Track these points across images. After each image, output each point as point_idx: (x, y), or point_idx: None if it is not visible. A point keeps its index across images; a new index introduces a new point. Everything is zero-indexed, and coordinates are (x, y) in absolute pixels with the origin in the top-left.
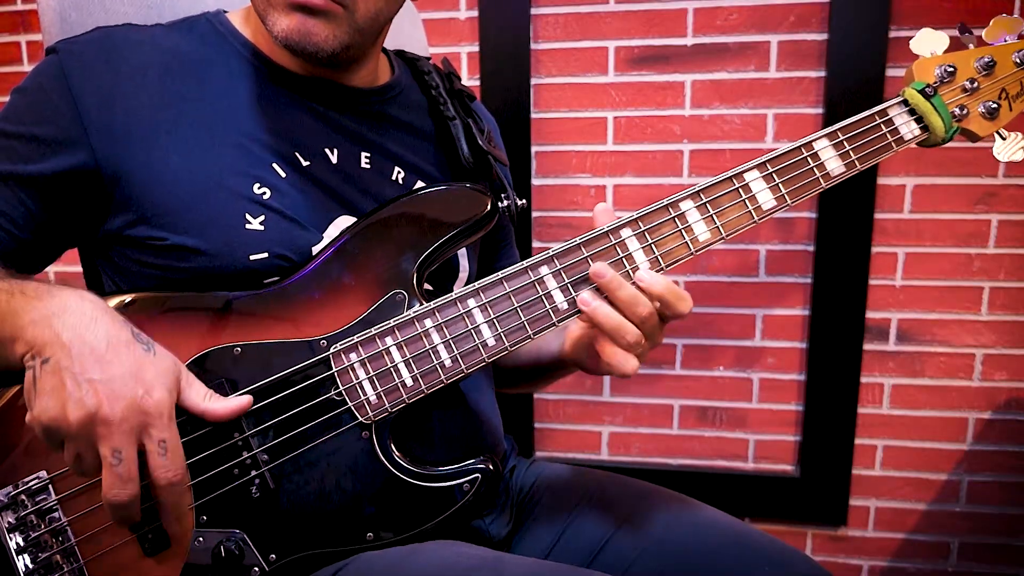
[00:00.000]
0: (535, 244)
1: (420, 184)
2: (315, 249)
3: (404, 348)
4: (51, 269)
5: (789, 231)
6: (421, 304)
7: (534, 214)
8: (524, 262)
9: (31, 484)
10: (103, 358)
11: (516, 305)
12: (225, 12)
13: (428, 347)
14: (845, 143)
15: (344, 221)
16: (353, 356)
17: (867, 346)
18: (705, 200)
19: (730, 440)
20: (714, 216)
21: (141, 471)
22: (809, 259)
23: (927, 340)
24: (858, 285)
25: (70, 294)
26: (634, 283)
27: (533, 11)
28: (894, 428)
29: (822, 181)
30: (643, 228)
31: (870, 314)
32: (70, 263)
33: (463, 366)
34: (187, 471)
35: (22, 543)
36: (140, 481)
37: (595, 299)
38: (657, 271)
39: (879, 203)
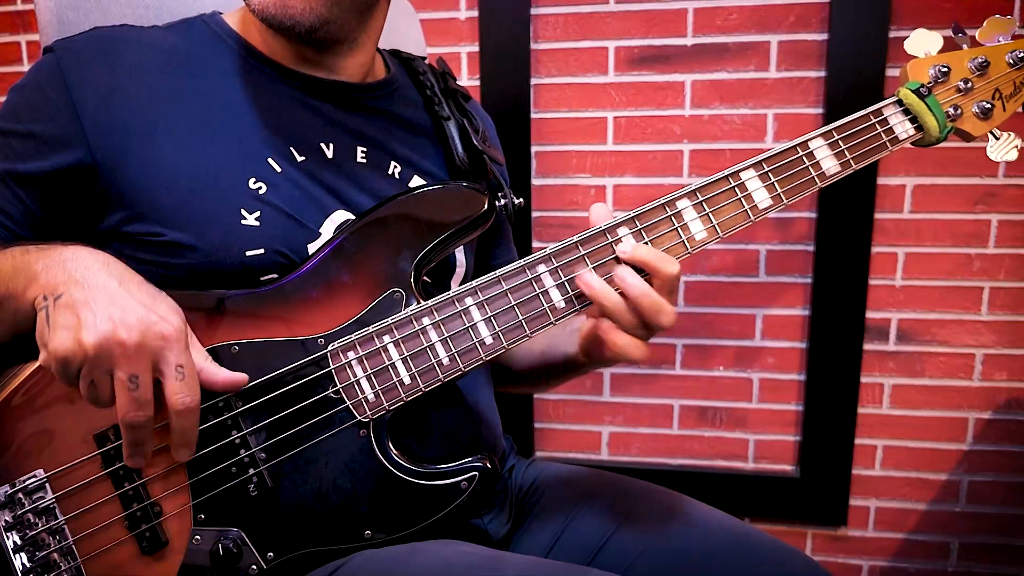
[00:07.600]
0: (535, 244)
1: (417, 179)
2: (312, 246)
3: (401, 346)
4: None
5: (789, 231)
6: (419, 302)
7: (534, 214)
8: (521, 260)
9: (28, 483)
10: (117, 291)
11: (513, 303)
12: (220, 13)
13: (425, 345)
14: (840, 142)
15: (340, 216)
16: (351, 354)
17: (867, 346)
18: (701, 199)
19: (730, 440)
20: (710, 215)
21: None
22: (809, 259)
23: (927, 340)
24: (858, 285)
25: (81, 246)
26: (617, 256)
27: (533, 11)
28: (894, 428)
29: (818, 180)
30: (639, 227)
31: (870, 314)
32: None
33: (461, 364)
34: (199, 399)
35: (19, 541)
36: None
37: (596, 280)
38: None
39: (879, 203)
